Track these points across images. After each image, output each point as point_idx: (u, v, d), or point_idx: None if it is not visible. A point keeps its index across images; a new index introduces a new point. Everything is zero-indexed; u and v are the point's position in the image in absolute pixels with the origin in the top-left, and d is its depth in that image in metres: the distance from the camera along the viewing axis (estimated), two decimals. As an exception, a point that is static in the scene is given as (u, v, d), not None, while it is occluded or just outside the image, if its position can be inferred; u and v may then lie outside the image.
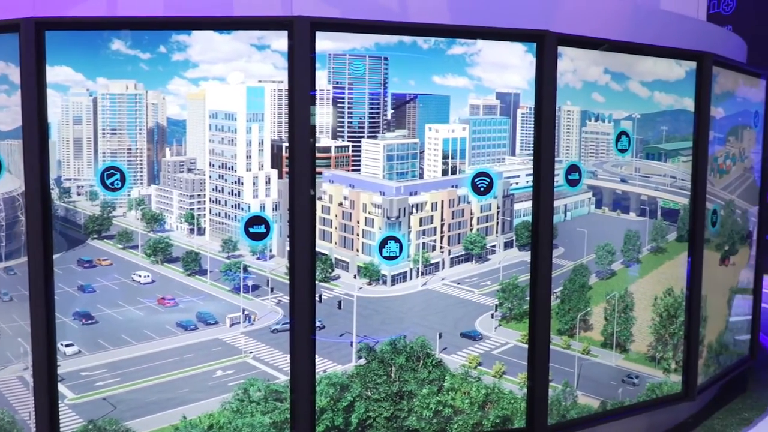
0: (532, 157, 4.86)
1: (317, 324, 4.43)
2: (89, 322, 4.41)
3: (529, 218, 4.91)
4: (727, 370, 6.76)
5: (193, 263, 4.48)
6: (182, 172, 4.49)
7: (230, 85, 4.34)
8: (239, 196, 4.47)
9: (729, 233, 6.57)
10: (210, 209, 4.51)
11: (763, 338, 9.00)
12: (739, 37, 7.42)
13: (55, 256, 4.34)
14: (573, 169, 5.15)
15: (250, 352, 4.51)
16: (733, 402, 6.97)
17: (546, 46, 4.74)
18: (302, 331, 4.36)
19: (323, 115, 4.44)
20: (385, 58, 4.49)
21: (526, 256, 4.92)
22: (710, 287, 6.17)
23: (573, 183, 5.17)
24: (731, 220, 6.60)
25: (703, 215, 5.85)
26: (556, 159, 4.93)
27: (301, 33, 4.20)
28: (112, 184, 4.36)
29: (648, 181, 5.66)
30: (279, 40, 4.26)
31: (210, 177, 4.48)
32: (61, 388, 4.39)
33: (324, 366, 4.53)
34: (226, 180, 4.47)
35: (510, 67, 4.79)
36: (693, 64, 5.69)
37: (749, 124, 6.84)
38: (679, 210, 5.81)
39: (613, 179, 5.50)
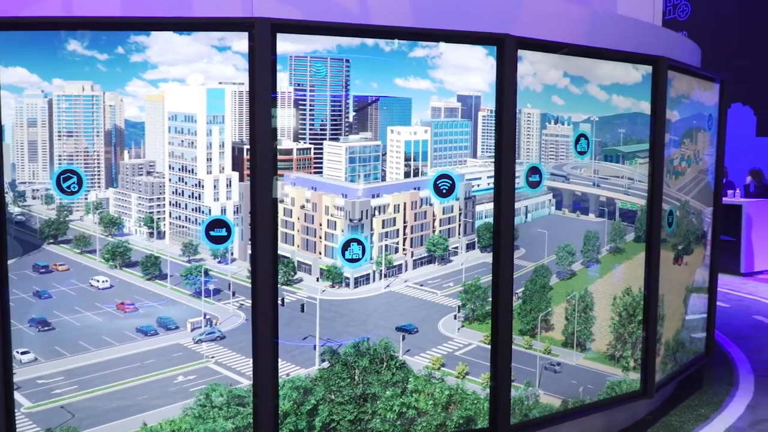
0: (493, 159, 4.91)
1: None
2: (46, 328, 4.31)
3: (490, 220, 4.96)
4: (683, 368, 6.91)
5: (152, 267, 4.42)
6: (141, 175, 4.42)
7: (190, 86, 4.29)
8: (200, 199, 4.42)
9: (684, 233, 6.72)
10: (170, 212, 4.45)
11: (718, 335, 9.23)
12: (693, 43, 7.60)
13: (9, 262, 4.23)
14: (533, 170, 5.21)
15: (212, 357, 4.46)
16: (689, 398, 7.13)
17: (506, 49, 4.79)
18: (264, 335, 4.33)
19: (285, 117, 4.42)
20: (347, 61, 4.49)
21: (488, 257, 4.96)
22: (667, 287, 6.30)
23: (533, 185, 5.24)
24: (686, 221, 6.75)
25: (660, 216, 5.97)
26: (516, 161, 4.99)
27: (262, 35, 4.17)
28: (68, 187, 4.28)
29: (607, 183, 5.76)
30: (240, 42, 4.23)
31: (170, 180, 4.42)
32: (18, 396, 4.28)
33: (287, 370, 4.50)
34: (186, 183, 4.42)
35: (471, 69, 4.83)
36: (649, 68, 5.81)
37: (703, 127, 7.01)
38: (637, 211, 5.92)
39: (579, 182, 5.57)
